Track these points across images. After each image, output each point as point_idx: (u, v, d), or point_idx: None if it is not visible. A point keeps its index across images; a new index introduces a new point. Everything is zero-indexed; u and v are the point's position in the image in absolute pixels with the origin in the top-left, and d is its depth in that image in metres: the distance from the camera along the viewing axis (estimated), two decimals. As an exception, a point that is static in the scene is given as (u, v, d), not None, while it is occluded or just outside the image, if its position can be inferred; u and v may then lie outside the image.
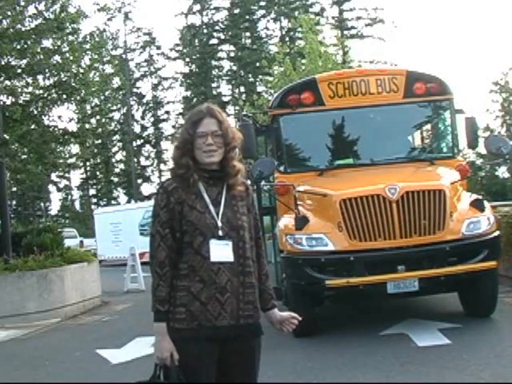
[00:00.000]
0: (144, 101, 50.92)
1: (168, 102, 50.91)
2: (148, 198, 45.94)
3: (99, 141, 41.38)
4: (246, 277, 2.80)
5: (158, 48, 50.34)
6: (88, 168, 51.08)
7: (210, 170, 2.85)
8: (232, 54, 48.72)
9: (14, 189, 38.86)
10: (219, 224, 2.77)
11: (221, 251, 2.74)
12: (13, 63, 12.35)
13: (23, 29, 12.13)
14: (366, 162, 8.27)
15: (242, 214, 2.86)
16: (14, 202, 46.72)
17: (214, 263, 2.73)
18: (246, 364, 2.83)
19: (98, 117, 16.40)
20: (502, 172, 34.49)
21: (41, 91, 12.77)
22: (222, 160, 2.85)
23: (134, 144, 49.75)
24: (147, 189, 50.47)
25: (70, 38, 12.63)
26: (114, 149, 51.92)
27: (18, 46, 12.07)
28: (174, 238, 2.78)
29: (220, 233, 2.76)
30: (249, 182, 3.08)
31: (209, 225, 2.76)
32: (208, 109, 2.88)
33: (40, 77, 12.55)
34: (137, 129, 50.69)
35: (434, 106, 8.82)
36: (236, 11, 47.88)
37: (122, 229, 26.50)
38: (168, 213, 2.79)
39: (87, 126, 15.74)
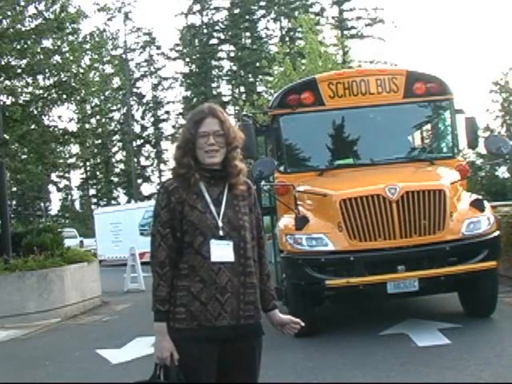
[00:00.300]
0: (144, 101, 50.93)
1: (168, 102, 50.97)
2: (148, 197, 45.99)
3: (99, 141, 41.37)
4: (247, 277, 2.79)
5: (158, 48, 50.39)
6: (88, 168, 51.07)
7: (212, 170, 2.84)
8: (232, 54, 48.73)
9: (14, 189, 38.85)
10: (220, 224, 2.77)
11: (221, 251, 2.74)
12: (13, 63, 12.35)
13: (23, 29, 12.12)
14: (366, 161, 8.27)
15: (243, 214, 2.85)
16: (14, 202, 46.71)
17: (215, 263, 2.72)
18: (247, 364, 2.82)
19: (98, 117, 16.42)
20: (502, 172, 34.50)
21: (41, 91, 12.77)
22: (224, 160, 2.84)
23: (134, 144, 49.75)
24: (147, 189, 50.58)
25: (70, 38, 12.63)
26: (114, 149, 51.95)
27: (18, 46, 12.07)
28: (175, 238, 2.78)
29: (221, 233, 2.76)
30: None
31: (209, 225, 2.75)
32: (210, 108, 2.87)
33: (40, 77, 12.55)
34: (137, 129, 50.73)
35: (433, 105, 8.82)
36: (236, 11, 47.88)
37: (122, 229, 26.50)
38: (169, 213, 2.79)
39: (87, 125, 15.77)
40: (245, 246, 2.81)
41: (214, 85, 49.76)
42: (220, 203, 2.81)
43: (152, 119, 51.16)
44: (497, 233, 7.21)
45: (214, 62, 49.44)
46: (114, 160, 52.14)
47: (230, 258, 2.75)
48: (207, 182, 2.83)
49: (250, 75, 47.18)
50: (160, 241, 2.78)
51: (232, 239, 2.77)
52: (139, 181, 50.15)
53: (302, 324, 2.95)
